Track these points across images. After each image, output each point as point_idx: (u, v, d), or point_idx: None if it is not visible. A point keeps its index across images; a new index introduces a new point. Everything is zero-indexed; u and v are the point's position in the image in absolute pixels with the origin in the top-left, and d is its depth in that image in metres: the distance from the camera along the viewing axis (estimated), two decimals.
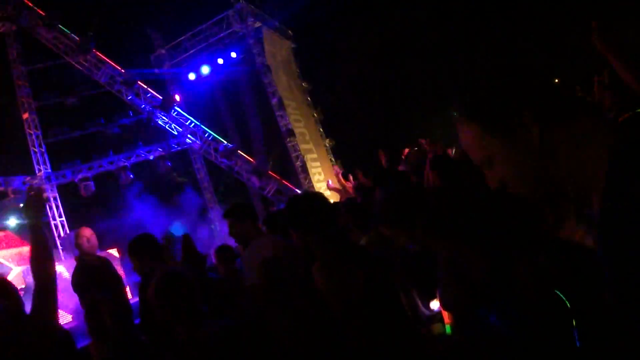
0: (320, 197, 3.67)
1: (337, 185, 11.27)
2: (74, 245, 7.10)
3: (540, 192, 1.73)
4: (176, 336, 3.56)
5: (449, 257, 2.96)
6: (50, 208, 19.99)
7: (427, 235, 2.97)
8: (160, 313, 3.54)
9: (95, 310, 5.21)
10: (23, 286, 13.86)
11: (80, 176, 19.59)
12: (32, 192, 3.59)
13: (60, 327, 5.30)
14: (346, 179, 11.28)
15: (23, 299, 3.56)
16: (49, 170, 20.36)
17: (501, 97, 1.71)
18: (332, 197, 13.79)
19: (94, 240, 7.01)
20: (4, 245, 18.30)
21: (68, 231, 19.37)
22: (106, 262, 7.20)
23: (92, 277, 6.61)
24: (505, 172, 1.74)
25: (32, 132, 20.36)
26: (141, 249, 5.59)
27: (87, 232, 6.96)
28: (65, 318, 12.50)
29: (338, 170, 12.12)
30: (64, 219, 20.14)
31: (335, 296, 3.15)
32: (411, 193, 3.34)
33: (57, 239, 19.77)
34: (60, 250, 19.20)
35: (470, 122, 1.77)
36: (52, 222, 19.95)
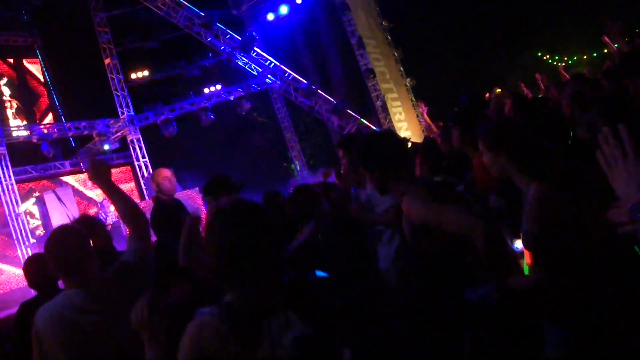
0: (394, 136, 3.45)
1: (428, 120, 11.01)
2: (154, 184, 7.13)
3: None
4: None
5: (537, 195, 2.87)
6: (134, 149, 20.44)
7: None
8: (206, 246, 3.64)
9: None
10: None
11: (162, 118, 19.83)
12: (95, 163, 3.57)
13: None
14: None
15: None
16: (132, 113, 20.74)
17: None
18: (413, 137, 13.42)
19: (174, 180, 7.02)
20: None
21: (152, 171, 19.76)
22: (180, 203, 7.26)
23: (168, 216, 6.66)
24: None
25: (114, 76, 20.72)
26: (215, 190, 5.58)
27: (167, 172, 6.96)
28: None
29: (424, 107, 11.68)
30: (147, 159, 20.58)
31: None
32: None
33: (141, 179, 20.25)
34: (145, 190, 19.68)
35: None
36: (136, 163, 20.48)
